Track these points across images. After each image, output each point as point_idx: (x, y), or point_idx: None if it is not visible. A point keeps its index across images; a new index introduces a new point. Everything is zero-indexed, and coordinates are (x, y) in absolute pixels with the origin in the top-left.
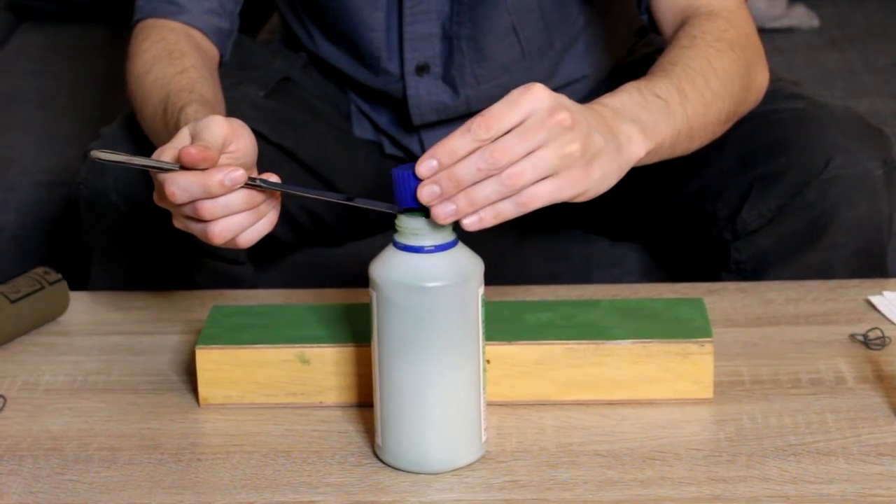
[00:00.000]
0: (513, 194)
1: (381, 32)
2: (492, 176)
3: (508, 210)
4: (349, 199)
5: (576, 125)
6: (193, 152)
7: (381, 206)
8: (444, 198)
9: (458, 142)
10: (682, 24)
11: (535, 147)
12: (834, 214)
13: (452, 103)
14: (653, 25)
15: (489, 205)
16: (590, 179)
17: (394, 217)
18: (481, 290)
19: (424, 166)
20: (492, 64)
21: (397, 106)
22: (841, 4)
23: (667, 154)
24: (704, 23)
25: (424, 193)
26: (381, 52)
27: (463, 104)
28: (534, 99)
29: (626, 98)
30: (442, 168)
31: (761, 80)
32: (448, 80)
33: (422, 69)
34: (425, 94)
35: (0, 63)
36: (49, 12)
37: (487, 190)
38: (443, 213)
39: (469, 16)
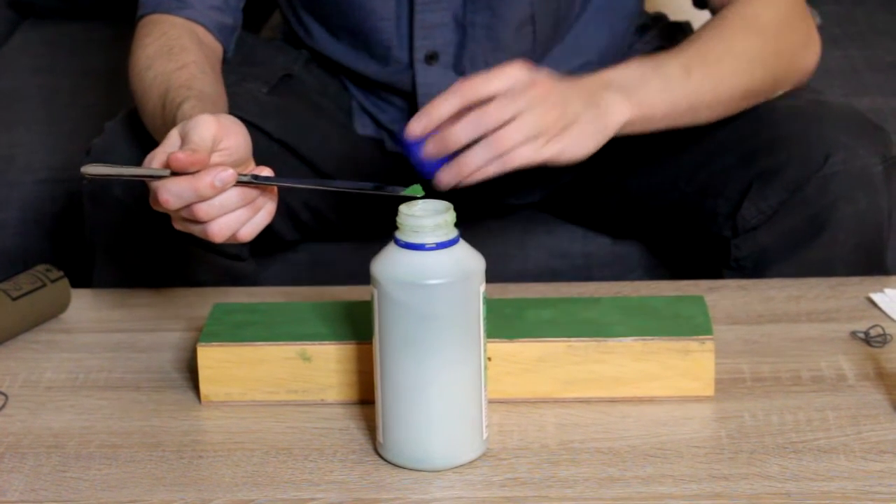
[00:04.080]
0: (499, 156)
1: (391, 21)
2: (480, 141)
3: (493, 169)
4: (348, 187)
5: (551, 94)
6: (181, 157)
7: (362, 187)
8: (442, 153)
9: (447, 101)
10: (726, 4)
11: (518, 112)
12: (833, 210)
13: None
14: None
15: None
16: (566, 140)
17: (388, 199)
18: (482, 287)
19: (417, 123)
20: (504, 55)
21: (404, 98)
22: (843, 2)
23: (663, 124)
24: (741, 7)
25: (430, 148)
26: (392, 41)
27: None
28: (515, 71)
29: (622, 70)
30: (432, 120)
31: (807, 59)
32: (458, 68)
33: (431, 58)
34: (434, 82)
35: (2, 60)
36: (51, 9)
37: (479, 157)
38: (445, 178)
39: (487, 3)
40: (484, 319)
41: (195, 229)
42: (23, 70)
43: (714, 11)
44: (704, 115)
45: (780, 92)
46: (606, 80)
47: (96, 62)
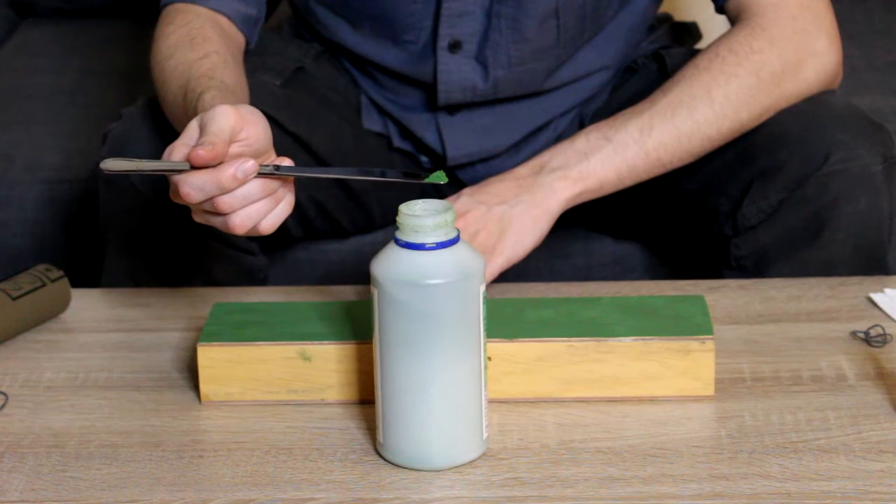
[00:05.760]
0: None
1: (421, 5)
2: None
3: None
4: (373, 174)
5: (471, 220)
6: (202, 154)
7: (386, 175)
8: None
9: None
10: (736, 19)
11: None
12: (833, 209)
13: (481, 84)
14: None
15: None
16: (507, 245)
17: (392, 195)
18: (483, 287)
19: None
20: (527, 47)
21: (422, 88)
22: (842, 2)
23: (624, 184)
24: (736, 38)
25: None
26: (417, 26)
27: (490, 87)
28: None
29: (558, 149)
30: None
31: (811, 72)
32: (480, 58)
33: (454, 46)
34: (456, 71)
35: (1, 60)
36: (50, 9)
37: None
38: None
39: None
40: (484, 319)
41: (216, 221)
42: (22, 70)
43: (731, 20)
44: (676, 164)
45: (785, 105)
46: (539, 164)
47: (96, 62)
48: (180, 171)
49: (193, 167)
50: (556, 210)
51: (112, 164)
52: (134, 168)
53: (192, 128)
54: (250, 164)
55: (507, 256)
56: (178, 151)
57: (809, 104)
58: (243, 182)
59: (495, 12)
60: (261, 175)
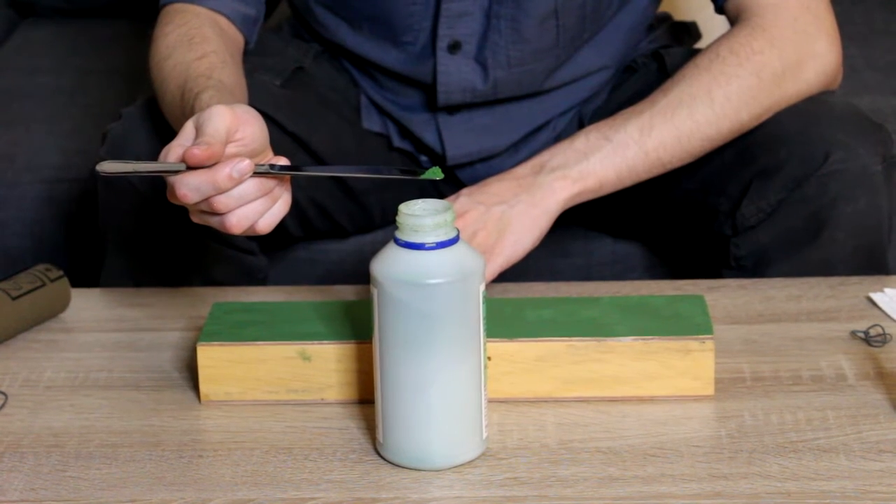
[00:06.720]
0: None
1: (420, 6)
2: None
3: None
4: (368, 171)
5: (472, 221)
6: (197, 153)
7: (382, 173)
8: None
9: None
10: (736, 20)
11: None
12: (833, 209)
13: (480, 85)
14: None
15: None
16: (507, 245)
17: (393, 195)
18: (482, 286)
19: None
20: (527, 47)
21: (422, 89)
22: (842, 2)
23: (624, 184)
24: (737, 39)
25: None
26: (416, 27)
27: (490, 87)
28: None
29: (558, 149)
30: None
31: (811, 73)
32: (480, 59)
33: (454, 47)
34: (455, 72)
35: (1, 60)
36: (51, 9)
37: None
38: None
39: None
40: (484, 319)
41: (213, 221)
42: (22, 70)
43: (731, 20)
44: (676, 164)
45: (786, 106)
46: (538, 164)
47: (96, 61)
48: (176, 172)
49: (189, 168)
50: (555, 210)
51: (108, 167)
52: (130, 170)
53: (188, 128)
54: (246, 164)
55: (506, 256)
56: (174, 152)
57: (809, 104)
58: (239, 182)
59: (494, 13)
60: (257, 174)
